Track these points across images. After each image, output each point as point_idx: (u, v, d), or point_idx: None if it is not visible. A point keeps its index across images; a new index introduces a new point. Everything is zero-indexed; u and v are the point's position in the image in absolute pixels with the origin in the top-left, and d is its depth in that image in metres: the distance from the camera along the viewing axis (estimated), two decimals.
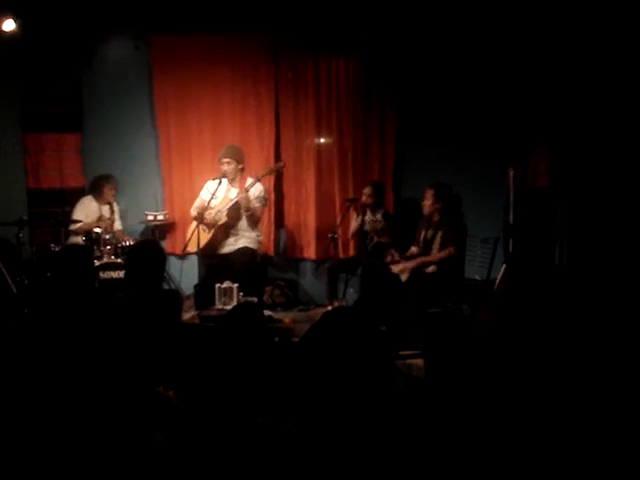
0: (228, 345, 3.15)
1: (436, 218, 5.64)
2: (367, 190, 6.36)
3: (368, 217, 6.36)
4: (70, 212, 6.65)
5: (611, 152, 5.59)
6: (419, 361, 4.31)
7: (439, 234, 5.53)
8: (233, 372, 2.97)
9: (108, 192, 6.66)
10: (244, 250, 6.15)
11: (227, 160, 6.19)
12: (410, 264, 5.57)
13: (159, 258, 3.91)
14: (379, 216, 6.37)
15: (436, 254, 5.55)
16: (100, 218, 6.59)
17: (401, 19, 6.50)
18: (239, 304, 3.94)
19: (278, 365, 3.13)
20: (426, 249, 5.65)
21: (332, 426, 2.58)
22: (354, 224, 6.48)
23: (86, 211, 6.61)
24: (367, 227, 6.35)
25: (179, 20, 6.77)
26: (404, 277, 5.48)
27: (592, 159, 5.74)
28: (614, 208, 5.56)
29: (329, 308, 5.56)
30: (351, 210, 6.48)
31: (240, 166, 6.24)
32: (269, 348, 3.34)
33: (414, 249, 5.81)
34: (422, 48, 6.56)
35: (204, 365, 3.12)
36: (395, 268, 5.50)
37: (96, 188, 6.70)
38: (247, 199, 6.07)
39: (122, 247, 6.34)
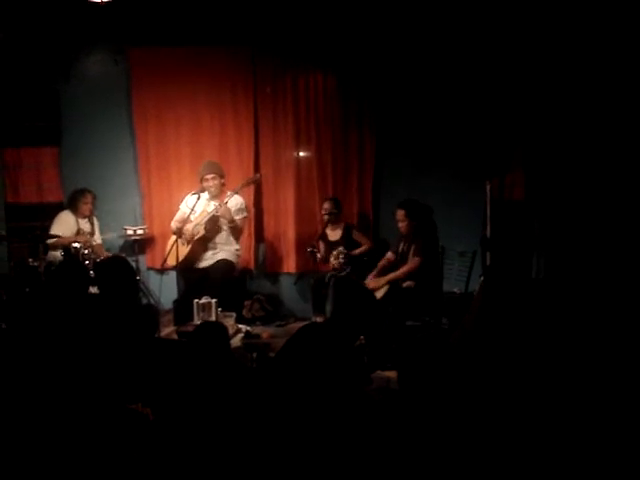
0: (193, 364, 3.15)
1: (410, 233, 5.67)
2: (326, 205, 6.49)
3: (328, 231, 6.50)
4: (48, 227, 6.61)
5: (587, 165, 5.65)
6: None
7: (412, 247, 5.58)
8: (203, 390, 2.97)
9: (83, 206, 6.63)
10: (222, 262, 6.15)
11: (212, 176, 6.19)
12: (375, 283, 5.59)
13: (125, 273, 3.89)
14: (339, 232, 6.48)
15: (403, 268, 5.59)
16: (79, 232, 6.56)
17: (379, 34, 6.56)
18: (201, 325, 3.90)
19: (245, 384, 3.12)
20: (402, 261, 5.69)
21: (307, 440, 2.58)
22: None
23: (64, 225, 6.57)
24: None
25: (158, 34, 6.79)
26: (379, 294, 5.49)
27: (568, 172, 5.80)
28: (590, 221, 5.62)
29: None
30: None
31: (223, 181, 6.27)
32: (232, 368, 3.33)
33: (390, 255, 5.85)
34: (400, 64, 6.64)
35: (180, 382, 3.11)
36: (368, 285, 5.54)
37: (72, 202, 6.68)
38: (228, 210, 6.07)
39: None
